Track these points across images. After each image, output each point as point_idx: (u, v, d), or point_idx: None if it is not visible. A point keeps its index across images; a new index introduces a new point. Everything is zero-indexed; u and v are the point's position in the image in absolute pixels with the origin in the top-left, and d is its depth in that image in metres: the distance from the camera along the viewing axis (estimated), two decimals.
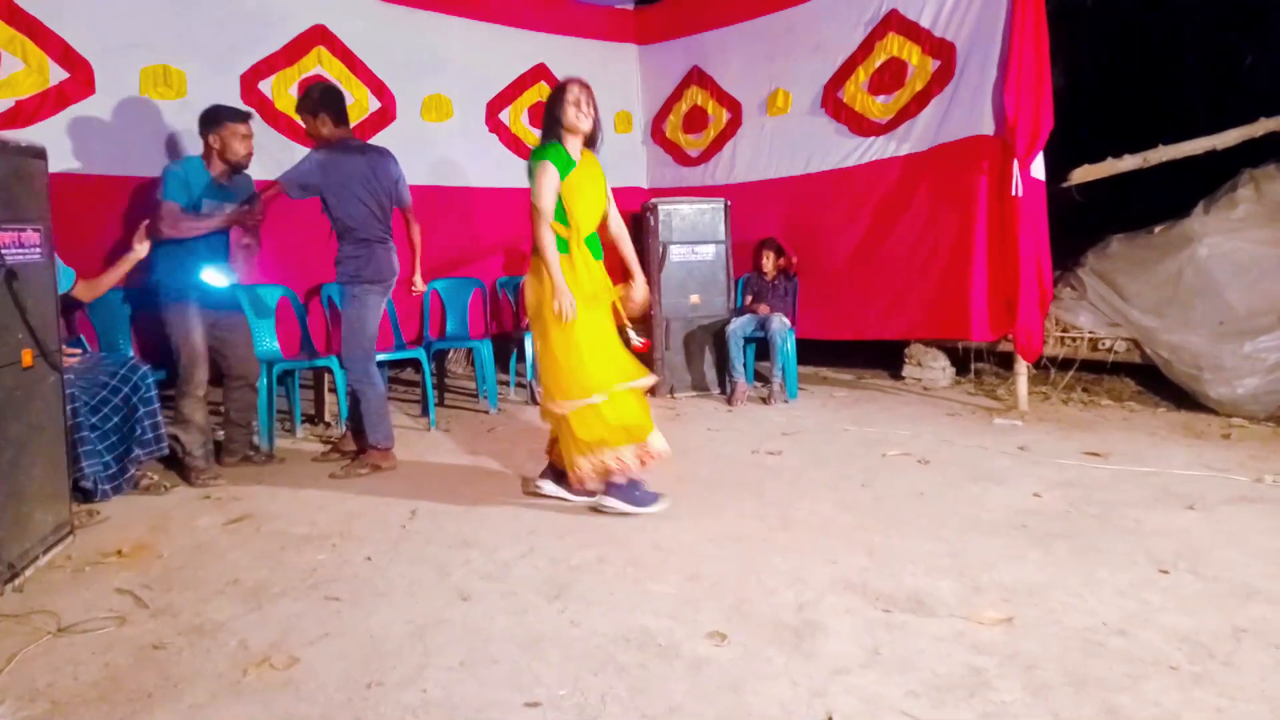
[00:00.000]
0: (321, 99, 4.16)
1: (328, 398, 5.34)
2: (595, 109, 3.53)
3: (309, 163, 4.11)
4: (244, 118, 4.10)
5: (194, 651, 2.41)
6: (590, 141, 3.58)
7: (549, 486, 3.77)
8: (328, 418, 5.30)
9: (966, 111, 5.30)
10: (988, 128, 5.19)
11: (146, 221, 3.94)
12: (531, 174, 3.49)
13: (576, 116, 3.46)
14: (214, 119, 4.04)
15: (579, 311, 3.41)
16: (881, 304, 5.80)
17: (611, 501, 3.53)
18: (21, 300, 2.89)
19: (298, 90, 5.21)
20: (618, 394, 3.45)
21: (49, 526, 3.08)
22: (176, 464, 4.13)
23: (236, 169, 4.13)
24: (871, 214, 5.84)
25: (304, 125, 4.21)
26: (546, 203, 3.43)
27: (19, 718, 2.10)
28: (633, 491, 3.53)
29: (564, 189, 3.45)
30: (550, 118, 3.51)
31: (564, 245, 3.48)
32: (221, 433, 4.43)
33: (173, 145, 4.70)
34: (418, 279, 4.57)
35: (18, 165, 2.95)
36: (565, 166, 3.46)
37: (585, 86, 3.52)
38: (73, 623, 2.58)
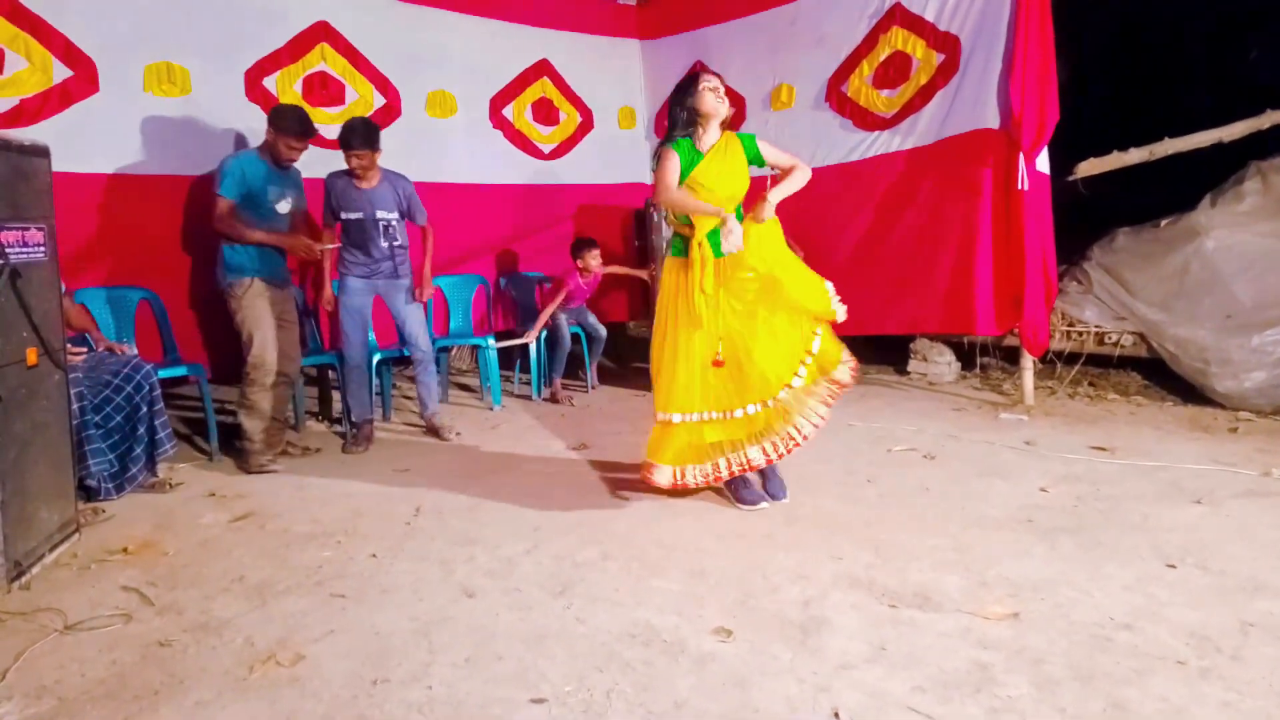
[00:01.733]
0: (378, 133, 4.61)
1: (332, 395, 5.34)
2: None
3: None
4: (302, 134, 4.30)
5: (200, 649, 2.42)
6: (726, 122, 3.52)
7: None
8: (335, 414, 5.29)
9: (971, 105, 5.27)
10: (993, 121, 5.16)
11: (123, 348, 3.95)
12: (654, 166, 3.49)
13: (715, 103, 3.41)
14: (278, 123, 4.24)
15: (686, 328, 3.40)
16: (887, 299, 5.77)
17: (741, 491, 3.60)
18: (25, 299, 2.89)
19: (301, 86, 5.21)
20: (695, 424, 3.45)
21: (54, 524, 3.09)
22: (235, 450, 4.27)
23: (280, 164, 4.34)
24: (876, 209, 5.82)
25: (372, 159, 4.55)
26: (667, 195, 3.39)
27: (26, 715, 2.10)
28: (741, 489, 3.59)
29: (689, 184, 3.39)
30: (681, 109, 3.43)
31: (682, 248, 3.44)
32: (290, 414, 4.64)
33: (180, 143, 4.70)
34: None
35: (21, 164, 2.95)
36: (690, 161, 3.40)
37: (718, 76, 3.52)
38: (79, 620, 2.59)
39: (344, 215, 4.63)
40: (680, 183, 3.39)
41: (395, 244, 4.71)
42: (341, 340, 4.75)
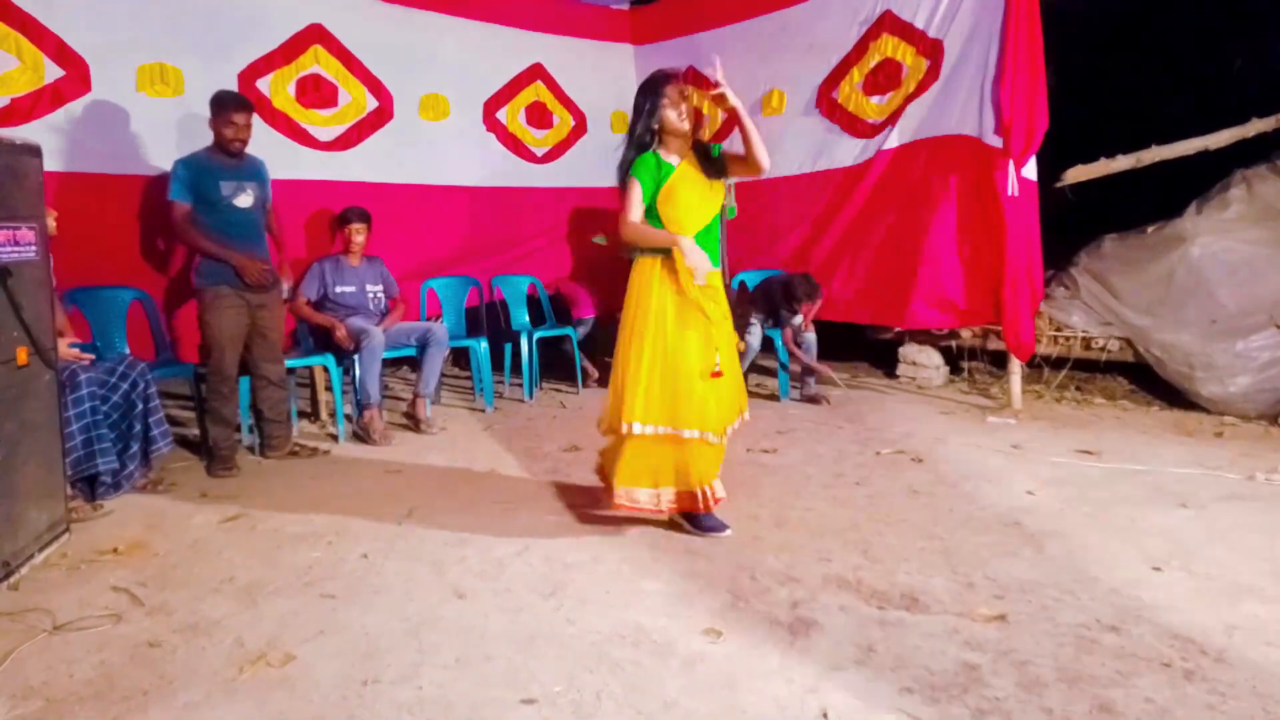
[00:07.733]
0: None
1: (324, 396, 5.33)
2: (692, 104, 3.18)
3: None
4: (238, 107, 4.10)
5: (189, 649, 2.41)
6: (697, 142, 3.22)
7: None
8: (325, 416, 5.29)
9: (959, 110, 5.31)
10: (982, 127, 5.20)
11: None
12: (621, 188, 3.17)
13: (679, 119, 3.11)
14: (213, 104, 4.12)
15: (668, 331, 3.09)
16: (869, 290, 5.83)
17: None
18: (16, 298, 2.89)
19: (294, 88, 5.21)
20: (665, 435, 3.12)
21: (44, 524, 3.08)
22: (207, 451, 4.29)
23: (230, 154, 4.16)
24: (860, 209, 5.87)
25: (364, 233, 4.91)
26: (633, 215, 3.10)
27: (13, 716, 2.10)
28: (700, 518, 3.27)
29: (660, 195, 3.11)
30: (643, 125, 3.13)
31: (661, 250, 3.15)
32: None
33: (173, 143, 4.68)
34: None
35: (12, 163, 2.94)
36: (661, 173, 3.12)
37: (679, 81, 3.14)
38: (68, 620, 2.58)
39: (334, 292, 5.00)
40: (647, 200, 3.13)
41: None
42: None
